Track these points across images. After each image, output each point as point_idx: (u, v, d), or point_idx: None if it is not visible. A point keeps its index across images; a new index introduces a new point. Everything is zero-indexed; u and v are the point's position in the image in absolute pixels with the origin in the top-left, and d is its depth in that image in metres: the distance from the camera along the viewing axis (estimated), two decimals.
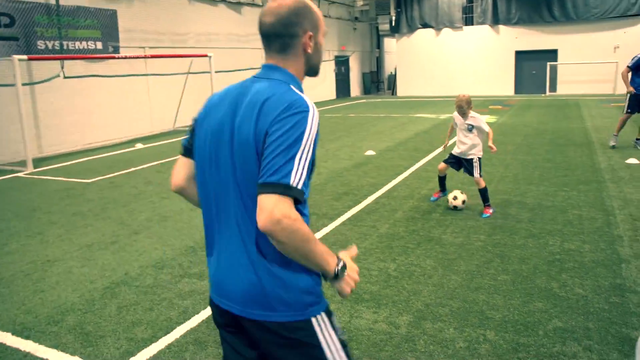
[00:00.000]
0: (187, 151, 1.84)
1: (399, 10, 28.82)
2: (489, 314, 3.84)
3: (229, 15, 19.19)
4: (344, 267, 1.67)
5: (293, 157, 1.51)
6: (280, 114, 1.56)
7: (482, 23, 26.91)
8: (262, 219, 1.47)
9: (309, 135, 1.55)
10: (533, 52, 26.06)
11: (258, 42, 19.97)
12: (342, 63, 28.74)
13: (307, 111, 1.58)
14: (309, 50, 1.75)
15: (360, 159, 9.93)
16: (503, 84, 26.81)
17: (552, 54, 25.72)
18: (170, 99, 16.35)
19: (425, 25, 28.42)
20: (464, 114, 6.07)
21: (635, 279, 4.32)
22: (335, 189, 7.66)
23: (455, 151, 6.30)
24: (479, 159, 6.14)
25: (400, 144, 11.68)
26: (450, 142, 6.91)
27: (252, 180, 1.59)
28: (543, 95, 25.32)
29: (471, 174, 6.16)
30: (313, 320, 1.67)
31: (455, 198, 6.26)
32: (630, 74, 9.76)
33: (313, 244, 1.55)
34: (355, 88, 30.69)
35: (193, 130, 1.82)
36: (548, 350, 3.36)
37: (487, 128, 6.05)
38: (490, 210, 6.08)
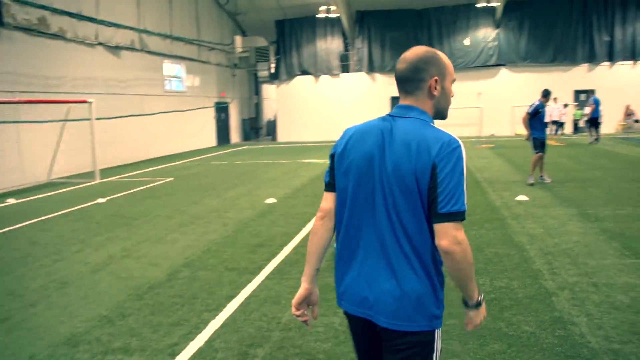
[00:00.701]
0: (332, 186, 2.11)
1: (278, 57, 29.43)
2: None
3: (107, 59, 18.20)
4: (484, 298, 2.01)
5: (463, 188, 1.85)
6: (441, 151, 1.86)
7: (359, 70, 28.33)
8: (446, 241, 1.82)
9: (465, 167, 1.89)
10: None
11: (139, 88, 19.06)
12: (222, 109, 28.50)
13: (460, 146, 1.91)
14: (435, 93, 2.01)
15: (262, 208, 9.64)
16: None
17: None
18: (44, 147, 14.93)
19: (304, 72, 29.26)
20: None
21: (570, 311, 4.49)
22: (246, 240, 7.30)
23: None
24: None
25: (298, 190, 11.58)
26: None
27: (407, 206, 1.87)
28: None
29: None
30: (437, 331, 1.96)
31: None
32: (528, 120, 10.73)
33: (473, 267, 1.92)
34: (235, 134, 30.48)
35: (333, 165, 2.09)
36: None
37: None
38: None
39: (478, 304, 2.02)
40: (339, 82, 28.81)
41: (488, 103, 27.25)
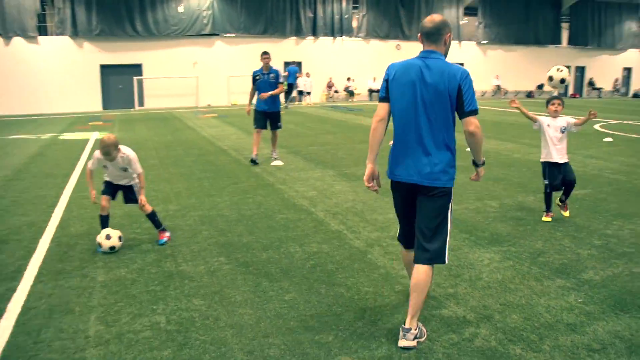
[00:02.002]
0: (385, 99, 3.33)
1: None
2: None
3: None
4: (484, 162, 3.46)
5: (475, 97, 3.14)
6: (462, 77, 3.13)
7: (61, 34, 24.69)
8: (472, 126, 3.14)
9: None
10: (118, 67, 25.55)
11: None
12: None
13: (469, 73, 3.17)
14: (447, 44, 3.29)
15: None
16: (90, 99, 25.34)
17: (137, 69, 25.82)
18: None
19: None
20: (112, 159, 4.97)
21: (392, 265, 4.54)
22: None
23: (107, 177, 5.25)
24: (137, 183, 5.26)
25: (20, 171, 9.43)
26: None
27: (439, 110, 3.15)
28: (133, 109, 25.16)
29: (134, 200, 5.27)
30: (452, 188, 3.29)
31: (108, 237, 4.95)
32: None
33: (483, 141, 3.31)
34: None
35: (387, 86, 3.30)
36: None
37: (139, 169, 5.18)
38: (167, 234, 5.34)
39: (483, 163, 3.46)
40: (38, 47, 24.61)
41: (204, 73, 27.02)
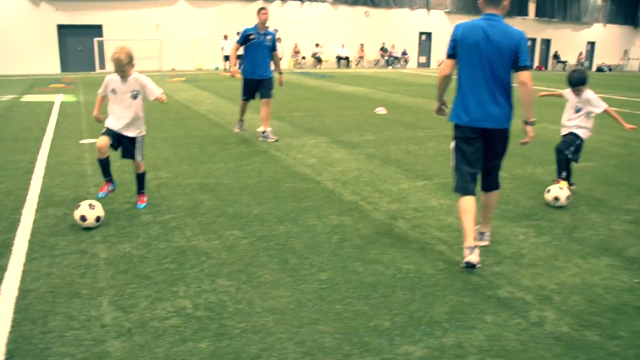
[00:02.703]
0: (453, 56, 3.78)
1: None
2: None
3: None
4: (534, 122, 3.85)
5: (527, 54, 3.65)
6: (519, 37, 3.64)
7: None
8: (524, 77, 3.62)
9: None
10: (77, 27, 24.07)
11: None
12: None
13: (525, 35, 3.69)
14: (506, 8, 3.73)
15: None
16: (48, 61, 23.86)
17: (97, 30, 24.40)
18: None
19: None
20: (123, 73, 4.54)
21: (427, 240, 4.18)
22: None
23: (114, 125, 4.66)
24: (143, 137, 4.85)
25: None
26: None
27: (503, 67, 3.65)
28: (93, 72, 23.84)
29: (132, 156, 4.79)
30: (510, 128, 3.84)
31: (92, 207, 4.28)
32: (239, 54, 8.30)
33: (533, 97, 3.73)
34: None
35: (455, 45, 3.76)
36: None
37: (157, 90, 4.68)
38: (145, 198, 4.98)
39: (533, 123, 3.78)
40: None
41: (168, 35, 25.78)
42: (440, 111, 4.17)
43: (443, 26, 34.26)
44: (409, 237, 4.31)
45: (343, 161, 6.87)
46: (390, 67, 32.14)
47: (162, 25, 25.63)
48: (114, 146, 4.68)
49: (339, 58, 31.03)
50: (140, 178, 4.90)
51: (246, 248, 4.01)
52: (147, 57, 25.41)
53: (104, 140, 4.56)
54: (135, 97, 4.59)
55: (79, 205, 4.28)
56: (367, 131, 9.11)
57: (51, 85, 16.96)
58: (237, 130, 8.72)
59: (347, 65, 31.13)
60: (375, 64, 32.67)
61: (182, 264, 3.70)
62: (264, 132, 8.12)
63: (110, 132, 4.63)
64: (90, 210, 4.24)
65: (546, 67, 38.52)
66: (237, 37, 8.23)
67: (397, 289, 3.39)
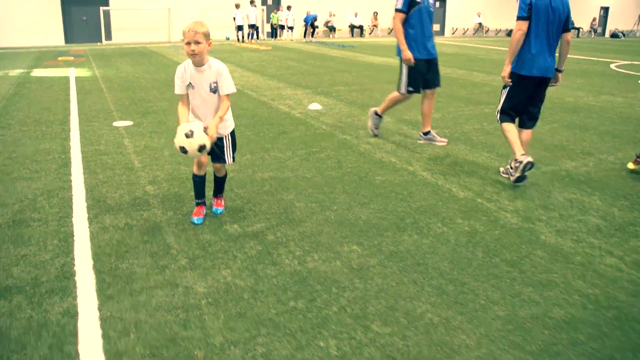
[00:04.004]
0: (527, 17, 4.37)
1: None
2: None
3: None
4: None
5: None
6: (568, 6, 4.44)
7: None
8: (569, 36, 4.55)
9: None
10: None
11: None
12: None
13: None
14: None
15: None
16: (51, 32, 22.58)
17: None
18: None
19: None
20: (197, 57, 3.35)
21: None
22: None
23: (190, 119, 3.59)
24: (233, 133, 3.74)
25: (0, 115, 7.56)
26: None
27: (558, 27, 4.43)
28: (100, 44, 22.57)
29: (222, 159, 3.67)
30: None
31: (190, 134, 3.28)
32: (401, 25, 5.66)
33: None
34: None
35: (530, 7, 4.35)
36: None
37: (232, 86, 3.54)
38: (223, 202, 3.99)
39: (563, 71, 4.68)
40: None
41: (176, 4, 24.44)
42: (508, 78, 4.60)
43: None
44: (562, 246, 3.36)
45: (425, 145, 5.89)
46: None
47: None
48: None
49: (352, 27, 29.69)
50: (220, 182, 3.91)
51: (380, 271, 3.06)
52: (156, 28, 24.15)
53: (203, 159, 3.65)
54: (215, 90, 3.48)
55: (176, 133, 3.30)
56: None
57: (60, 59, 15.80)
58: (374, 130, 6.25)
59: (361, 34, 29.81)
60: (389, 33, 31.33)
61: (311, 300, 2.75)
62: (426, 133, 6.03)
63: None
64: (187, 140, 3.24)
65: None
66: (397, 3, 5.61)
67: (603, 325, 2.45)
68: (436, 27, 33.24)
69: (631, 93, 9.97)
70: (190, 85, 3.46)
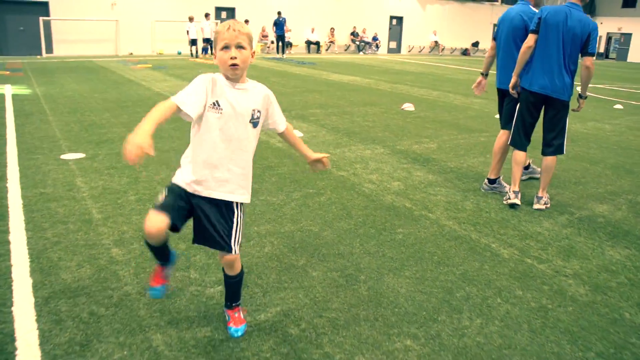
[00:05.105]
0: (536, 31, 4.32)
1: None
2: None
3: None
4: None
5: (596, 43, 4.20)
6: (592, 28, 4.17)
7: None
8: (589, 62, 4.19)
9: None
10: (18, 4, 21.00)
11: None
12: None
13: (597, 27, 4.20)
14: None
15: None
16: None
17: (43, 7, 21.39)
18: None
19: None
20: (235, 71, 2.20)
21: None
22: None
23: (192, 178, 2.29)
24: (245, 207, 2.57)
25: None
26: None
27: (573, 48, 4.22)
28: (39, 56, 20.90)
29: (222, 240, 2.33)
30: (570, 102, 4.39)
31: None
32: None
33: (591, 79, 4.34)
34: None
35: (539, 22, 4.28)
36: None
37: (283, 119, 2.51)
38: (243, 315, 2.62)
39: (586, 97, 4.48)
40: None
41: (125, 16, 23.06)
42: (516, 87, 4.55)
43: (414, 12, 32.91)
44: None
45: (433, 185, 5.15)
46: (361, 53, 30.48)
47: (118, 4, 22.89)
48: (175, 226, 2.24)
49: (308, 43, 29.07)
50: (235, 284, 2.51)
51: None
52: (102, 40, 22.71)
53: (158, 221, 2.15)
54: (256, 123, 2.33)
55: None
56: (420, 136, 7.39)
57: None
58: (513, 199, 4.54)
59: (317, 50, 29.21)
60: (346, 49, 30.91)
61: None
62: (493, 180, 4.92)
63: (172, 201, 2.24)
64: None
65: None
66: (530, 23, 4.51)
67: None
68: (392, 44, 33.14)
69: (614, 120, 9.65)
70: (216, 106, 2.19)
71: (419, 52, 33.83)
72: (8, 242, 3.51)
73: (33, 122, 7.53)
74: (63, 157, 5.70)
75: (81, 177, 5.01)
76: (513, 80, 4.54)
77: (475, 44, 35.62)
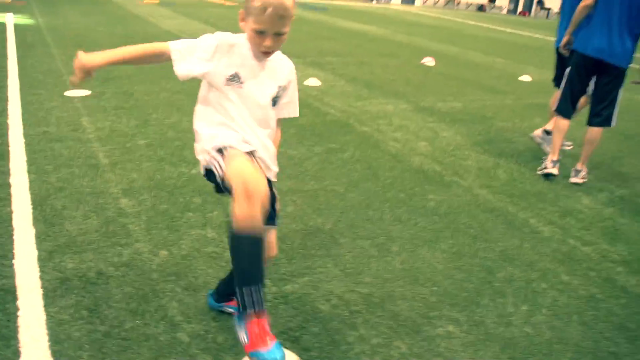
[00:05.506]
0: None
1: None
2: None
3: None
4: None
5: None
6: None
7: None
8: None
9: None
10: None
11: None
12: None
13: None
14: None
15: None
16: None
17: None
18: None
19: None
20: (273, 45, 1.74)
21: None
22: None
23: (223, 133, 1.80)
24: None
25: None
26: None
27: (637, 14, 3.82)
28: None
29: (272, 221, 1.92)
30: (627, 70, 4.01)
31: None
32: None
33: None
34: None
35: None
36: None
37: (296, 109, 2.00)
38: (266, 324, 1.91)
39: None
40: None
41: None
42: (568, 44, 4.26)
43: None
44: None
45: (462, 148, 4.83)
46: (374, 2, 29.47)
47: None
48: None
49: None
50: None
51: None
52: None
53: (262, 177, 1.66)
54: (276, 101, 1.89)
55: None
56: (443, 94, 7.02)
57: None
58: (550, 168, 4.20)
59: None
60: None
61: None
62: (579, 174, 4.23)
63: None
64: None
65: (529, 13, 36.69)
66: None
67: None
68: None
69: None
70: (235, 78, 1.77)
71: (434, 4, 32.76)
72: (9, 185, 3.22)
73: (36, 55, 7.11)
74: (67, 93, 5.34)
75: (87, 116, 4.67)
76: (565, 39, 4.28)
77: (492, 0, 34.48)
